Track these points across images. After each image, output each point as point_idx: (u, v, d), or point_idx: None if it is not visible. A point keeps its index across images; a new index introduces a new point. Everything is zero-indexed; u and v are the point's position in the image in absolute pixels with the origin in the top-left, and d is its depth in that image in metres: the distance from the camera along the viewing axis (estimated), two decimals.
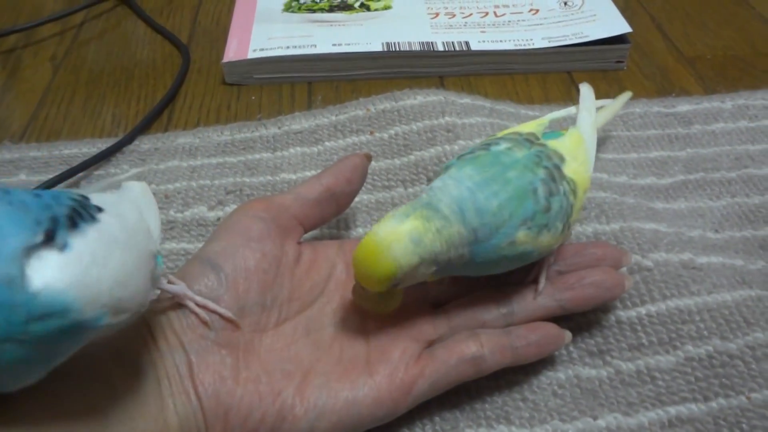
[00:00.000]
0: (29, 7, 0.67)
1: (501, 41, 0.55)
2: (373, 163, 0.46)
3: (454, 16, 0.59)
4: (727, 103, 0.52)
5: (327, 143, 0.48)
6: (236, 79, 0.55)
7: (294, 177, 0.45)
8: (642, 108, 0.52)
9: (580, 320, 0.36)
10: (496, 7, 0.60)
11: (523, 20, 0.58)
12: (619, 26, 0.56)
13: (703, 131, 0.49)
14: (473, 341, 0.31)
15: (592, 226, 0.40)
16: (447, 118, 0.47)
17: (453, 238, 0.29)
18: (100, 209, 0.23)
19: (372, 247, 0.29)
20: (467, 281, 0.35)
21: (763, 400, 0.32)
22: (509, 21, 0.58)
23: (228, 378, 0.29)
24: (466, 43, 0.55)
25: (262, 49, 0.55)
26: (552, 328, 0.33)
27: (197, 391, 0.28)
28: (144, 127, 0.51)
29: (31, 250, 0.19)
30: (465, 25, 0.58)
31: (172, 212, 0.43)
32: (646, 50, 0.59)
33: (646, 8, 0.65)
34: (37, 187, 0.43)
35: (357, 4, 0.61)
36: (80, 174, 0.46)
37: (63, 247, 0.20)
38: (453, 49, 0.55)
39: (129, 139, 0.49)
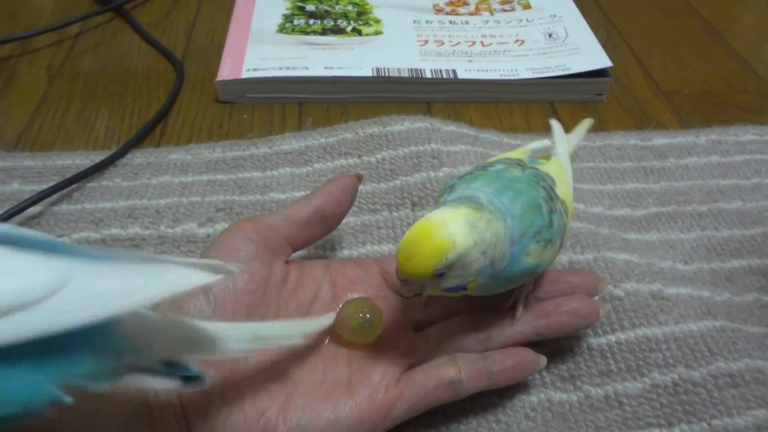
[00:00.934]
0: (26, 17, 0.68)
1: (487, 71, 0.57)
2: (360, 186, 0.47)
3: (443, 44, 0.61)
4: (701, 138, 0.54)
5: (316, 164, 0.49)
6: (229, 98, 0.57)
7: (283, 197, 0.47)
8: (619, 140, 0.54)
9: (553, 346, 0.38)
10: (484, 36, 0.62)
11: (509, 51, 0.60)
12: (600, 60, 0.58)
13: (677, 165, 0.52)
14: (451, 366, 0.33)
15: (567, 255, 0.42)
16: (433, 145, 0.49)
17: (500, 232, 0.30)
18: None
19: (425, 227, 0.29)
20: (448, 305, 0.36)
21: (723, 426, 0.34)
22: (495, 51, 0.60)
23: (215, 398, 0.30)
24: (453, 71, 0.57)
25: (255, 69, 0.56)
26: (527, 354, 0.34)
27: (186, 412, 0.29)
28: (137, 141, 0.52)
29: None
30: (453, 54, 0.60)
31: (162, 228, 0.44)
32: (626, 83, 0.62)
33: (628, 42, 0.68)
34: (30, 198, 0.44)
35: (349, 29, 0.63)
36: (73, 186, 0.47)
37: None
38: (440, 76, 0.57)
39: (122, 153, 0.50)
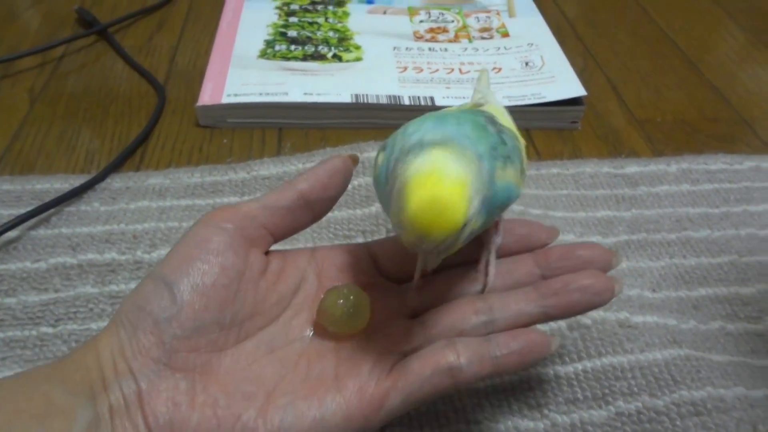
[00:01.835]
0: (10, 38, 0.69)
1: (464, 98, 0.58)
2: (336, 212, 0.48)
3: (422, 70, 0.62)
4: (672, 166, 0.56)
5: None
6: (210, 122, 0.57)
7: None
8: (593, 168, 0.55)
9: (521, 374, 0.38)
10: (462, 64, 0.64)
11: None
12: (575, 89, 0.60)
13: (648, 193, 0.53)
14: (450, 350, 0.30)
15: None
16: None
17: (474, 161, 0.27)
18: None
19: (435, 177, 0.25)
20: (448, 284, 0.34)
21: None
22: (473, 78, 0.61)
23: (182, 404, 0.28)
24: (431, 98, 0.58)
25: (236, 95, 0.57)
26: (536, 335, 0.31)
27: (147, 422, 0.27)
28: (117, 166, 0.52)
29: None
30: (431, 80, 0.61)
31: (139, 253, 0.44)
32: (601, 111, 0.63)
33: (604, 70, 0.69)
34: (8, 222, 0.44)
35: (330, 55, 0.64)
36: (51, 210, 0.47)
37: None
38: (419, 103, 0.58)
39: (101, 177, 0.51)
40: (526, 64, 0.64)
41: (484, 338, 0.31)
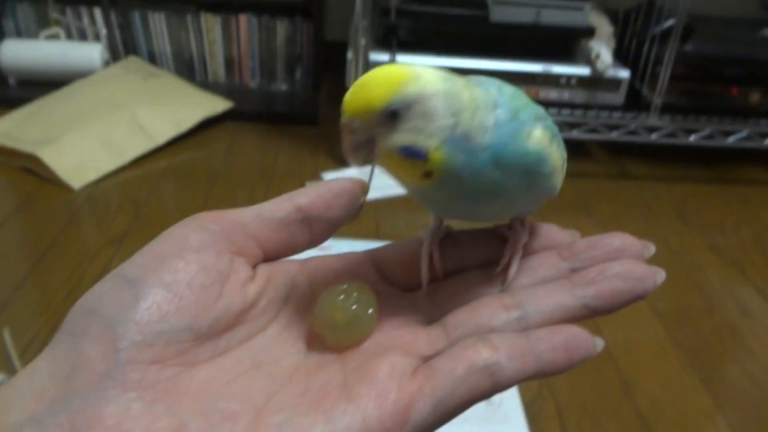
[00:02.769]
0: None
1: None
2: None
3: None
4: None
5: None
6: None
7: None
8: None
9: None
10: None
11: None
12: None
13: None
14: (484, 345, 0.25)
15: None
16: None
17: (480, 98, 0.26)
18: None
19: (385, 66, 0.25)
20: (465, 286, 0.29)
21: None
22: None
23: (135, 431, 0.21)
24: None
25: None
26: (578, 331, 0.26)
27: None
28: None
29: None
30: None
31: None
32: None
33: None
34: None
35: None
36: None
37: None
38: None
39: None
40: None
41: (521, 333, 0.26)
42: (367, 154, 0.26)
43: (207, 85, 1.52)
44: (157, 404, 0.22)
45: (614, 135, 1.31)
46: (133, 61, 1.48)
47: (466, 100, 0.25)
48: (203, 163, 1.29)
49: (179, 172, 1.25)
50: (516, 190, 0.28)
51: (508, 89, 0.28)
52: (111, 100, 1.32)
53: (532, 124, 0.27)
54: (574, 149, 1.07)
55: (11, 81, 1.47)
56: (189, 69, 1.57)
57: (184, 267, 0.24)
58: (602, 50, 1.30)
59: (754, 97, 1.35)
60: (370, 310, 0.27)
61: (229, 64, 1.57)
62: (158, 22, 1.52)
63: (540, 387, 0.76)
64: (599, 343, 0.26)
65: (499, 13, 1.28)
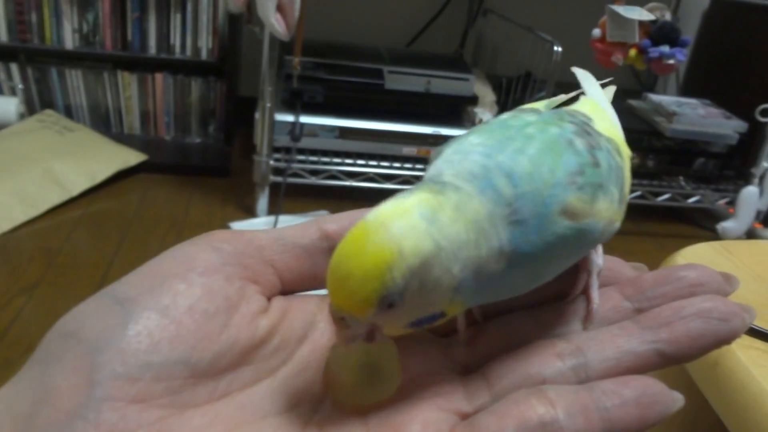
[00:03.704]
0: None
1: None
2: None
3: None
4: None
5: None
6: None
7: None
8: None
9: None
10: None
11: None
12: None
13: None
14: (538, 400, 0.21)
15: None
16: None
17: (480, 218, 0.20)
18: None
19: (359, 234, 0.20)
20: (509, 331, 0.25)
21: None
22: None
23: None
24: None
25: None
26: (652, 382, 0.21)
27: None
28: None
29: None
30: None
31: None
32: None
33: None
34: None
35: None
36: None
37: None
38: None
39: None
40: None
41: (582, 386, 0.22)
42: (370, 338, 0.21)
43: (122, 137, 1.60)
44: None
45: None
46: (48, 115, 1.55)
47: (466, 236, 0.20)
48: (116, 214, 1.36)
49: (92, 222, 1.32)
50: (561, 264, 0.23)
51: (524, 163, 0.22)
52: (26, 153, 1.38)
53: (565, 193, 0.21)
54: None
55: None
56: (105, 122, 1.64)
57: (186, 290, 0.21)
58: (485, 116, 1.47)
59: None
60: (391, 364, 0.22)
61: (144, 117, 1.65)
62: (75, 78, 1.59)
63: None
64: (678, 398, 0.21)
65: (394, 82, 1.43)
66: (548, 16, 1.63)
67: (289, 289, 0.24)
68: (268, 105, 1.30)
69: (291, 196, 1.39)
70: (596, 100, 0.29)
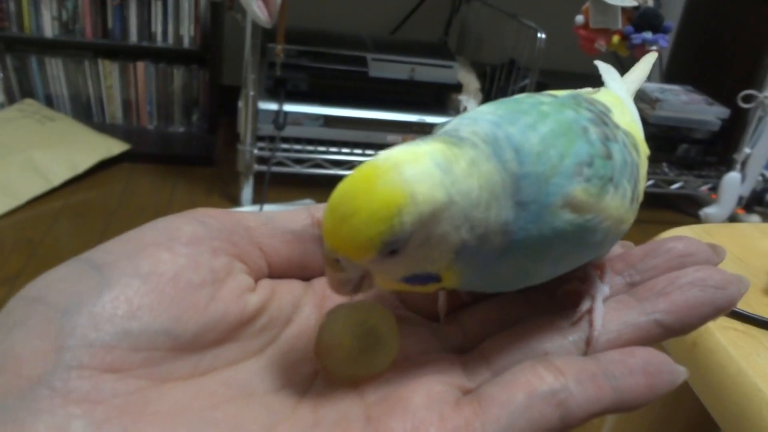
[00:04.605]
0: None
1: None
2: None
3: None
4: None
5: None
6: None
7: None
8: None
9: None
10: None
11: None
12: None
13: None
14: (545, 368, 0.20)
15: None
16: None
17: (493, 180, 0.19)
18: None
19: (367, 172, 0.19)
20: (502, 311, 0.24)
21: None
22: None
23: None
24: None
25: None
26: (656, 353, 0.21)
27: None
28: None
29: None
30: None
31: None
32: None
33: None
34: None
35: None
36: None
37: None
38: None
39: None
40: None
41: (588, 357, 0.21)
42: (358, 287, 0.20)
43: (104, 127, 1.58)
44: (109, 425, 0.17)
45: None
46: (29, 104, 1.53)
47: (479, 194, 0.19)
48: (99, 203, 1.35)
49: (75, 212, 1.30)
50: (556, 269, 0.22)
51: (534, 141, 0.20)
52: (6, 143, 1.36)
53: (570, 183, 0.20)
54: None
55: None
56: (86, 111, 1.63)
57: (170, 259, 0.19)
58: (469, 103, 1.47)
59: None
60: (390, 334, 0.21)
61: (126, 106, 1.64)
62: (55, 66, 1.57)
63: None
64: (683, 371, 0.21)
65: (378, 70, 1.42)
66: (532, 3, 1.63)
67: (276, 275, 0.23)
68: (251, 93, 1.29)
69: (276, 185, 1.39)
70: (617, 94, 0.28)
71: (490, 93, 1.58)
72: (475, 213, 0.19)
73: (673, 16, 1.75)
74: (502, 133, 0.20)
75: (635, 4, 1.16)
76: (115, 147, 1.47)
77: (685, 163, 1.64)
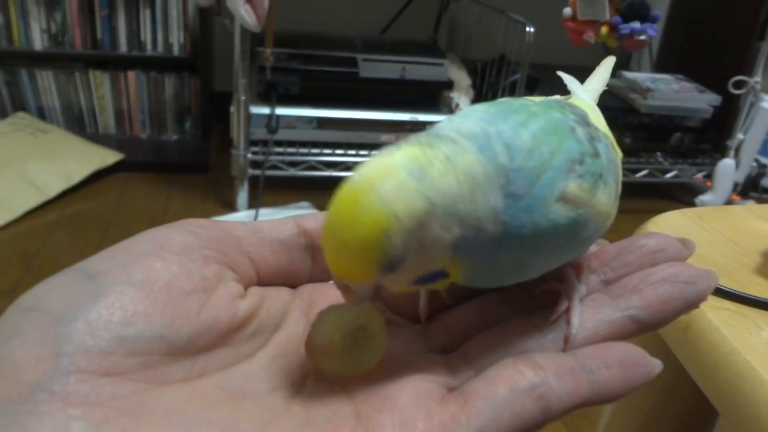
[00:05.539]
0: None
1: None
2: None
3: None
4: None
5: None
6: None
7: None
8: None
9: None
10: None
11: None
12: None
13: None
14: (525, 364, 0.21)
15: None
16: None
17: (475, 171, 0.20)
18: None
19: (348, 199, 0.19)
20: (482, 313, 0.25)
21: None
22: None
23: None
24: None
25: None
26: (631, 347, 0.22)
27: None
28: None
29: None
30: None
31: None
32: None
33: None
34: None
35: None
36: None
37: None
38: None
39: None
40: None
41: (566, 353, 0.22)
42: (374, 298, 0.22)
43: (97, 137, 1.58)
44: (108, 426, 0.17)
45: None
46: (21, 117, 1.53)
47: (459, 188, 0.20)
48: (94, 214, 1.35)
49: (71, 223, 1.30)
50: (552, 261, 0.23)
51: (525, 138, 0.21)
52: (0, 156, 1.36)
53: (563, 179, 0.21)
54: None
55: None
56: (79, 122, 1.63)
57: (162, 267, 0.20)
58: (461, 100, 1.47)
59: None
60: (379, 333, 0.22)
61: (119, 116, 1.64)
62: (46, 79, 1.57)
63: None
64: (657, 363, 0.22)
65: (368, 70, 1.43)
66: None
67: (264, 282, 0.24)
68: (243, 98, 1.29)
69: (271, 189, 1.39)
70: (586, 101, 0.29)
71: (481, 89, 1.58)
72: (460, 207, 0.20)
73: (661, 6, 1.75)
74: (493, 129, 0.21)
75: None
76: (109, 157, 1.47)
77: (679, 151, 1.64)
